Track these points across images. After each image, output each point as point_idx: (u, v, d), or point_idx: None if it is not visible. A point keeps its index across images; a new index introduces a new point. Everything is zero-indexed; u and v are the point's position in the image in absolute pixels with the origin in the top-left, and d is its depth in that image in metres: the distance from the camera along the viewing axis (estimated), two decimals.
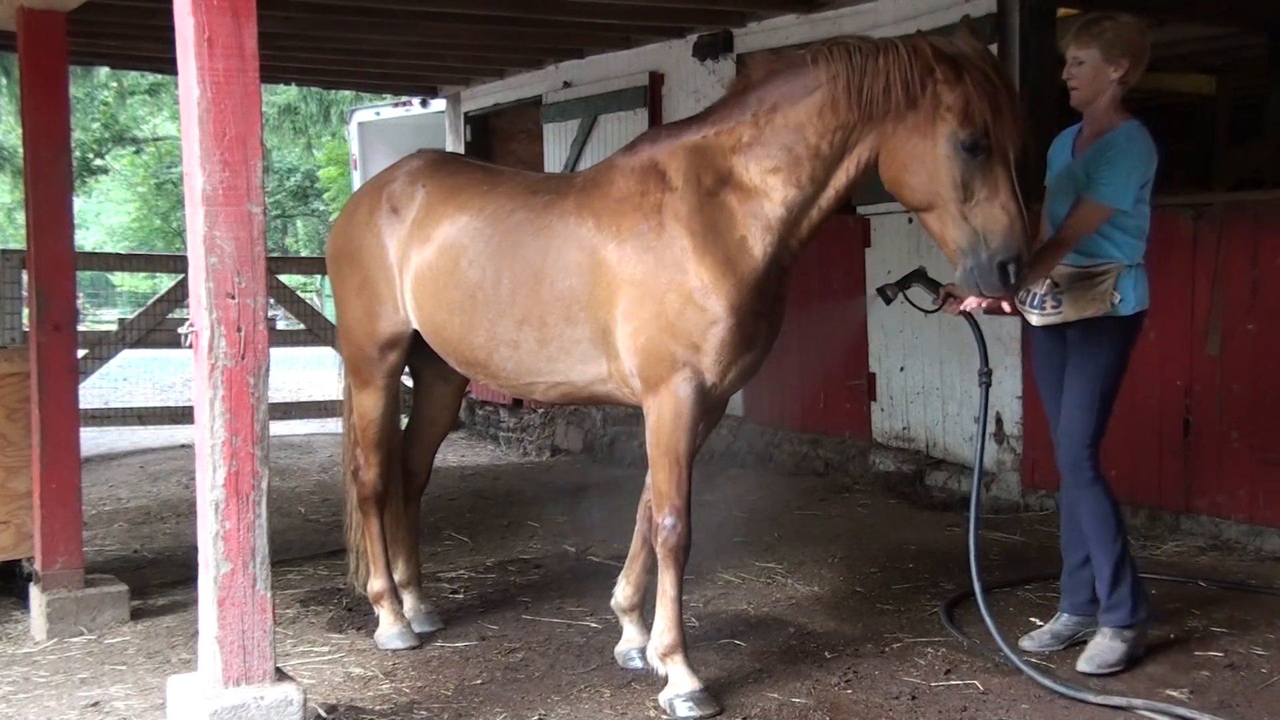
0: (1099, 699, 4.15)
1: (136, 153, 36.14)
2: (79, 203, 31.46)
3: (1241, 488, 6.21)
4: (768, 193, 4.10)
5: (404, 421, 5.35)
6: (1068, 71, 4.56)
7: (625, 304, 4.18)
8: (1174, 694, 4.20)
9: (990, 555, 6.16)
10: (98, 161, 34.35)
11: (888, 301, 4.74)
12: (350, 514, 5.25)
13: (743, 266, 4.10)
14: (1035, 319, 4.61)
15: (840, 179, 4.09)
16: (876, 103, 3.94)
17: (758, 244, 4.12)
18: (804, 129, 4.04)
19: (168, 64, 6.03)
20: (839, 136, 4.02)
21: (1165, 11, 8.59)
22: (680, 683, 4.18)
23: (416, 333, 4.83)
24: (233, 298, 3.47)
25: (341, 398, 5.30)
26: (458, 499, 8.23)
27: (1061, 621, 4.76)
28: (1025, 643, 4.71)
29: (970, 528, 4.54)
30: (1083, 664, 4.50)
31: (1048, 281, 4.53)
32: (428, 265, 4.65)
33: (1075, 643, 4.68)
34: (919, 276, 4.69)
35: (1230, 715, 4.02)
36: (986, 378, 4.64)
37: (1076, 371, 4.54)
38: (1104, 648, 4.52)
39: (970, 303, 4.43)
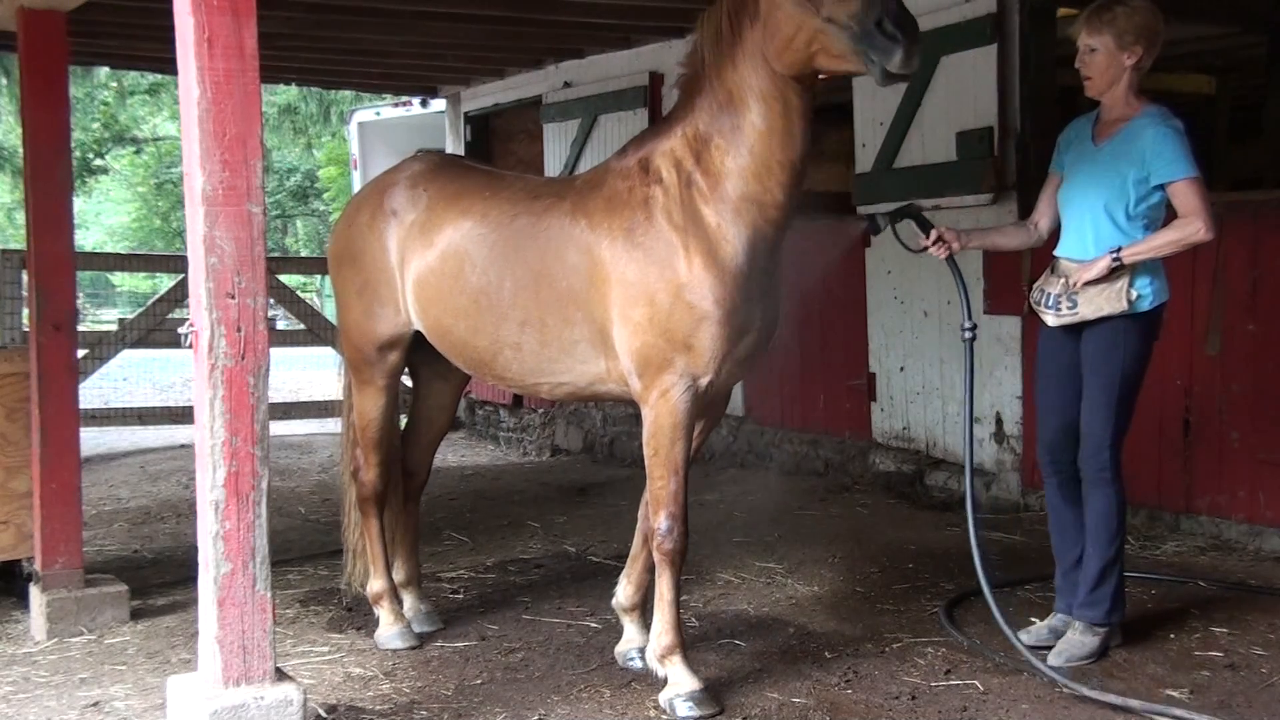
0: (1094, 694, 4.15)
1: (136, 153, 36.15)
2: (79, 203, 31.44)
3: (1241, 488, 6.20)
4: (726, 175, 4.11)
5: (402, 421, 5.35)
6: (1080, 60, 4.49)
7: (620, 305, 4.19)
8: (1174, 694, 4.20)
9: (990, 555, 6.15)
10: (98, 161, 34.35)
11: (877, 231, 4.60)
12: (348, 514, 5.25)
13: (723, 255, 4.10)
14: (1051, 319, 4.58)
15: (777, 130, 4.02)
16: (735, 30, 4.01)
17: (730, 228, 4.11)
18: (732, 100, 4.08)
19: (168, 64, 6.03)
20: (747, 91, 4.03)
21: (1165, 11, 8.57)
22: (680, 682, 4.18)
23: (417, 332, 4.84)
24: (233, 298, 3.47)
25: (341, 397, 5.31)
26: (458, 499, 8.23)
27: (1059, 619, 4.76)
28: (1022, 637, 4.71)
29: (967, 494, 4.56)
30: (1053, 658, 4.52)
31: (1061, 281, 4.51)
32: (431, 270, 4.66)
33: None
34: (913, 212, 4.57)
35: (1230, 715, 4.02)
36: (971, 332, 4.59)
37: (1094, 375, 4.49)
38: (1075, 643, 4.55)
39: (956, 247, 4.45)
